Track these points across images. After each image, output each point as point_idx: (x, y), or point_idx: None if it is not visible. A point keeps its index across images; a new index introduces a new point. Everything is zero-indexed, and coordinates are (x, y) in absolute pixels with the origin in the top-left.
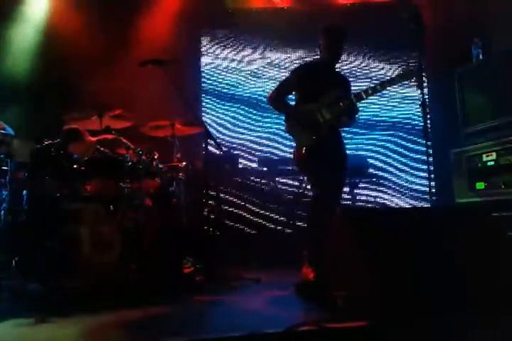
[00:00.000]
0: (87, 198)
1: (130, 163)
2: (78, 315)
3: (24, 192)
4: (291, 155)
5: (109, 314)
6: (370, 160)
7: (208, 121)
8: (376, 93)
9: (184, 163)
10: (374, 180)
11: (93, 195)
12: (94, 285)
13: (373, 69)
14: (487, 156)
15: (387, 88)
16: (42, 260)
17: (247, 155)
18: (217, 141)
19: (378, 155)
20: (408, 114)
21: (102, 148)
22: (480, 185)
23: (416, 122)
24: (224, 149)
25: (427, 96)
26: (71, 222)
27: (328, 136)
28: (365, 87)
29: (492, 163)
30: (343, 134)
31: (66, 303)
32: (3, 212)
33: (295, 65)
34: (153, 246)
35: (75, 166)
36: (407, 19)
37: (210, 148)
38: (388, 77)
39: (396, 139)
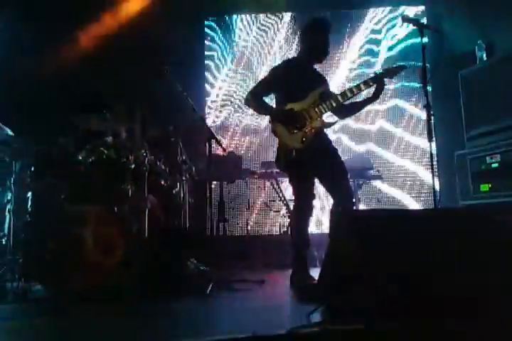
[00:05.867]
0: (90, 200)
1: (134, 165)
2: (80, 316)
3: (29, 193)
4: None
5: (110, 315)
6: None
7: (212, 122)
8: (361, 91)
9: (188, 165)
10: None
11: (96, 197)
12: (97, 286)
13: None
14: (491, 158)
15: (371, 86)
16: (45, 261)
17: (250, 157)
18: (221, 142)
19: (381, 156)
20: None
21: (105, 150)
22: (484, 187)
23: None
24: (228, 150)
25: (431, 98)
26: (74, 224)
27: (316, 136)
28: (349, 86)
29: (496, 165)
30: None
31: (69, 305)
32: (7, 213)
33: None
34: (156, 248)
35: (79, 168)
36: (410, 20)
37: (213, 149)
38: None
39: (399, 140)
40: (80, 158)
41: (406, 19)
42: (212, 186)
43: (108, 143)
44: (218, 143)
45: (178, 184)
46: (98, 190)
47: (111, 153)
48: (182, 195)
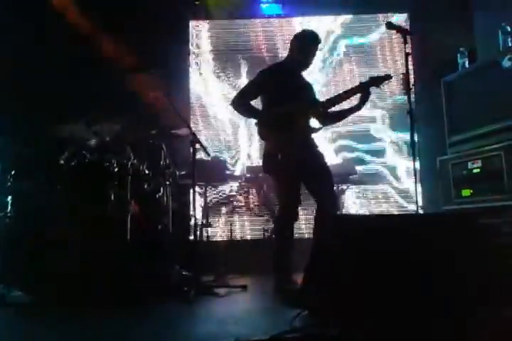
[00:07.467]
0: (72, 204)
1: (117, 169)
2: (60, 321)
3: (9, 197)
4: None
5: (90, 322)
6: (358, 167)
7: (197, 126)
8: (345, 99)
9: (171, 169)
10: (361, 186)
11: (79, 201)
12: (75, 292)
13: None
14: (473, 163)
15: (356, 94)
16: (26, 267)
17: (234, 161)
18: (205, 146)
19: (365, 162)
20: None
21: (88, 154)
22: (466, 192)
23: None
24: (212, 155)
25: (413, 104)
26: (57, 229)
27: (303, 140)
28: (336, 93)
29: (478, 170)
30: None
31: (49, 310)
32: None
33: None
34: (139, 253)
35: (61, 171)
36: (394, 27)
37: (197, 153)
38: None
39: (383, 145)
40: (62, 161)
41: (390, 26)
42: (196, 190)
43: (91, 147)
44: (202, 146)
45: (162, 188)
46: (80, 193)
47: (94, 156)
48: (165, 200)
